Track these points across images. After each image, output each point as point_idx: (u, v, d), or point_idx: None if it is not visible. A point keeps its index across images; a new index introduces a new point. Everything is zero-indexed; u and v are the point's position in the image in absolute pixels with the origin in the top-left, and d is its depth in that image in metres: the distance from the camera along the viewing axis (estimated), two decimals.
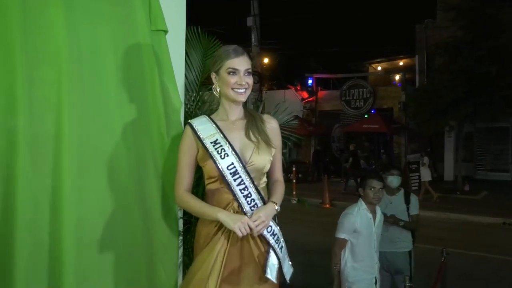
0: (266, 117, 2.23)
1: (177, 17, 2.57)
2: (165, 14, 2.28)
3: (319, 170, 18.47)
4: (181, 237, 2.65)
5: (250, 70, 2.09)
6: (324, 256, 4.26)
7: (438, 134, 16.69)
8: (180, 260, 2.67)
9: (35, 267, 1.75)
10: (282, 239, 2.13)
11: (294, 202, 10.56)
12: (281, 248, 2.10)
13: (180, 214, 2.63)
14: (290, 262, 2.18)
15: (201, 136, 2.07)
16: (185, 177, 2.10)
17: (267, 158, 2.10)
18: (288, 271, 2.14)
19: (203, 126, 2.11)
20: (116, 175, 2.00)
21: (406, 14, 19.80)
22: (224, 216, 1.97)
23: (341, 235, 3.50)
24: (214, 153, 2.03)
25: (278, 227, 2.11)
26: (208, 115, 2.19)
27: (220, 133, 2.08)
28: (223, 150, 2.04)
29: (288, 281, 2.10)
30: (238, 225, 1.92)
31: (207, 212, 2.03)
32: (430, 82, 15.41)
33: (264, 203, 2.07)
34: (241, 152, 2.07)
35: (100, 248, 1.97)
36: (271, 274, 2.02)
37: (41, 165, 1.75)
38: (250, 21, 15.37)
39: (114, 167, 1.99)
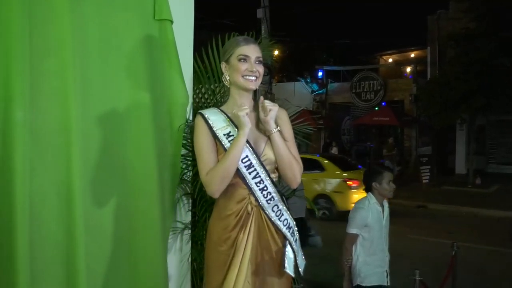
0: None
1: (185, 8, 2.54)
2: (173, 5, 2.25)
3: None
4: (189, 231, 2.65)
5: (261, 59, 2.05)
6: (333, 249, 4.24)
7: (450, 127, 16.53)
8: (188, 253, 2.67)
9: (43, 259, 1.74)
10: (297, 231, 2.12)
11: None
12: (295, 241, 2.09)
13: (188, 206, 2.62)
14: (302, 255, 2.16)
15: (213, 128, 2.02)
16: (208, 161, 1.96)
17: None
18: (301, 263, 2.12)
19: (215, 117, 2.05)
20: (121, 167, 1.99)
21: (418, 5, 19.54)
22: (240, 130, 1.93)
23: (352, 230, 3.46)
24: (228, 145, 1.98)
25: (293, 221, 2.09)
26: (218, 107, 2.14)
27: (232, 125, 2.03)
28: None
29: (301, 274, 2.09)
30: (242, 113, 1.91)
31: (233, 151, 1.92)
32: (442, 74, 15.23)
33: (281, 196, 2.06)
34: (254, 145, 2.03)
35: (106, 239, 1.98)
36: (289, 267, 2.02)
37: (48, 157, 1.75)
38: (260, 13, 15.28)
39: (118, 159, 1.98)
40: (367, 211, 3.42)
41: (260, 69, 2.04)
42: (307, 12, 21.24)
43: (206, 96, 3.21)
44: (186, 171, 2.65)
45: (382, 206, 3.51)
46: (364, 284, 3.41)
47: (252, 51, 2.02)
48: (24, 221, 1.64)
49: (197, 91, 3.06)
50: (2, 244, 1.64)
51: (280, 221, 2.04)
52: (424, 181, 13.94)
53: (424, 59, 19.42)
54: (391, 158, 15.90)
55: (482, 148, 17.95)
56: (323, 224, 7.70)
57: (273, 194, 2.02)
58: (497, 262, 6.57)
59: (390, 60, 23.57)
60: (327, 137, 20.29)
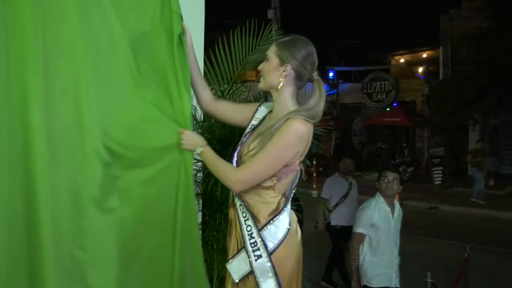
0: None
1: (196, 8, 2.52)
2: (183, 5, 2.23)
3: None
4: (200, 232, 2.66)
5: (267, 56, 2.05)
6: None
7: (463, 127, 16.40)
8: None
9: (61, 259, 1.77)
10: (264, 250, 1.87)
11: (315, 195, 10.55)
12: (256, 257, 1.87)
13: (198, 207, 2.63)
14: (276, 284, 1.85)
15: (254, 115, 2.07)
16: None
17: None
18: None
19: (264, 107, 2.10)
20: (133, 168, 2.00)
21: (430, 5, 19.38)
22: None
23: (358, 229, 3.48)
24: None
25: (260, 233, 1.88)
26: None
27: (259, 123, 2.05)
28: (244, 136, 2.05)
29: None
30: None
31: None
32: (454, 74, 15.13)
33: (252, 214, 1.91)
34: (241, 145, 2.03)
35: (124, 240, 1.96)
36: (231, 270, 1.96)
37: (62, 157, 1.77)
38: (270, 14, 15.30)
39: (131, 160, 1.99)
40: (373, 210, 3.44)
41: (260, 67, 2.02)
42: (318, 13, 21.21)
43: (215, 97, 3.25)
44: (196, 172, 2.67)
45: (393, 206, 3.51)
46: (371, 285, 3.42)
47: None
48: (47, 222, 1.67)
49: None
50: (26, 244, 1.68)
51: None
52: (436, 182, 13.84)
53: (436, 59, 19.28)
54: (404, 162, 15.88)
55: (495, 149, 17.78)
56: None
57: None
58: (510, 264, 6.51)
59: (402, 60, 23.43)
60: (338, 138, 20.24)
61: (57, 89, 1.73)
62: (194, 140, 1.95)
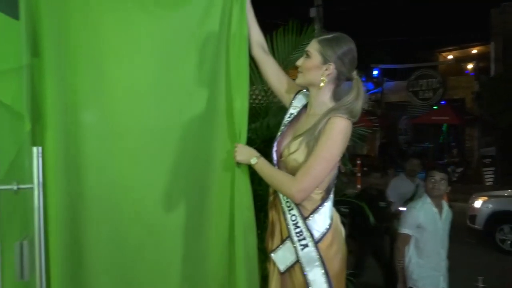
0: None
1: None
2: None
3: (386, 163, 18.07)
4: None
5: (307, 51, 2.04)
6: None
7: None
8: None
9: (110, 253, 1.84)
10: (310, 240, 1.89)
11: None
12: (302, 247, 1.89)
13: None
14: (322, 273, 1.87)
15: (292, 102, 2.09)
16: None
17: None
18: (315, 280, 1.88)
19: (302, 96, 2.10)
20: (184, 169, 1.99)
21: None
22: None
23: (404, 230, 3.44)
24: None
25: (306, 223, 1.91)
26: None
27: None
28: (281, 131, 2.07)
29: None
30: None
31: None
32: (506, 70, 14.56)
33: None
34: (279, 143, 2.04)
35: (178, 243, 2.00)
36: (277, 259, 1.98)
37: (118, 159, 1.81)
38: (313, 12, 15.22)
39: (183, 160, 1.98)
40: (419, 211, 3.38)
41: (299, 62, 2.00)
42: (361, 9, 20.91)
43: (259, 97, 3.28)
44: None
45: (441, 208, 3.44)
46: (417, 287, 3.36)
47: None
48: (103, 222, 1.75)
49: (251, 92, 3.12)
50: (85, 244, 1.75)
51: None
52: (487, 184, 13.38)
53: (487, 55, 18.59)
54: (453, 162, 15.45)
55: None
56: None
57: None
58: None
59: (450, 57, 22.77)
60: (383, 137, 19.91)
61: (109, 92, 1.77)
62: (247, 153, 2.00)
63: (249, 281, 2.06)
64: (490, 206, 7.22)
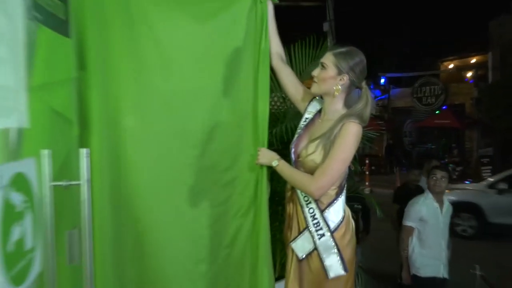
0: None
1: None
2: None
3: (392, 163, 17.88)
4: None
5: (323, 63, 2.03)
6: (394, 241, 4.14)
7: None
8: None
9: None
10: (326, 230, 1.91)
11: (367, 192, 10.43)
12: (320, 236, 1.91)
13: None
14: (339, 259, 1.89)
15: (307, 108, 2.09)
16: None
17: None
18: (332, 265, 1.89)
19: (316, 102, 2.10)
20: (213, 168, 1.99)
21: (478, 11, 18.31)
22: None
23: (407, 222, 3.43)
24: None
25: (322, 214, 1.92)
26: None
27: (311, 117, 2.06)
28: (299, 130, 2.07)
29: (328, 277, 1.89)
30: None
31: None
32: (504, 77, 14.21)
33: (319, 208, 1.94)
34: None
35: (215, 244, 2.01)
36: (296, 248, 1.98)
37: (155, 159, 1.82)
38: (326, 26, 15.09)
39: (212, 161, 1.98)
40: (421, 205, 3.37)
41: (315, 73, 1.99)
42: (370, 24, 20.67)
43: (278, 103, 3.28)
44: None
45: (442, 203, 3.39)
46: (419, 274, 3.35)
47: None
48: (140, 215, 1.77)
49: (270, 99, 3.11)
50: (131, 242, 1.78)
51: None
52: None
53: (485, 64, 18.17)
54: (453, 161, 15.10)
55: None
56: None
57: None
58: None
59: (451, 65, 22.34)
60: (390, 139, 19.71)
61: (147, 99, 1.79)
62: (269, 156, 2.02)
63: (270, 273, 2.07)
64: (451, 197, 7.34)
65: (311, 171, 1.88)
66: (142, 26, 1.78)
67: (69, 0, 1.43)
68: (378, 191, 11.38)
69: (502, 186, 7.60)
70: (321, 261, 1.89)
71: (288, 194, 2.09)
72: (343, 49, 1.94)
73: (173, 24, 1.87)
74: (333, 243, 1.89)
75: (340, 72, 1.91)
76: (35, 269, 1.13)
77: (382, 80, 20.26)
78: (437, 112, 18.40)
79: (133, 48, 1.77)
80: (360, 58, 1.94)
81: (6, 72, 1.06)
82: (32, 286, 1.12)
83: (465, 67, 20.61)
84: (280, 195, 2.67)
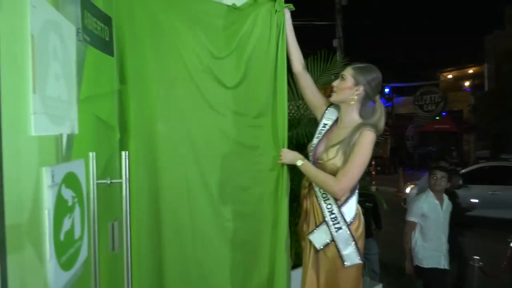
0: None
1: None
2: None
3: (395, 164, 17.62)
4: None
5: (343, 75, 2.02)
6: (398, 235, 4.07)
7: (508, 132, 14.93)
8: None
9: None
10: (343, 223, 1.91)
11: (374, 189, 10.29)
12: (337, 229, 1.91)
13: None
14: (355, 249, 1.90)
15: (325, 114, 2.06)
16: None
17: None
18: (349, 254, 1.90)
19: (333, 109, 2.07)
20: (239, 169, 1.98)
21: (474, 27, 17.97)
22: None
23: (410, 218, 3.39)
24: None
25: (340, 210, 1.92)
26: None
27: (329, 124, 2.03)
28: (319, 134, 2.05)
29: (345, 265, 1.89)
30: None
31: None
32: (498, 85, 13.88)
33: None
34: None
35: (237, 246, 1.98)
36: (314, 240, 1.95)
37: (186, 161, 1.82)
38: (335, 42, 14.97)
39: (238, 162, 1.96)
40: (423, 202, 3.33)
41: (335, 83, 1.99)
42: (375, 39, 20.46)
43: (293, 111, 3.27)
44: None
45: (442, 200, 3.35)
46: (422, 265, 3.30)
47: None
48: (173, 212, 1.77)
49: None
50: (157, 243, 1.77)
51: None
52: None
53: (481, 74, 17.80)
54: (452, 163, 14.78)
55: None
56: None
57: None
58: None
59: (450, 76, 21.93)
60: (393, 142, 19.46)
61: (174, 108, 1.80)
62: (291, 156, 2.01)
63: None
64: (414, 191, 7.15)
65: (332, 174, 1.87)
66: (171, 45, 1.79)
67: (112, 25, 1.48)
68: (383, 189, 11.28)
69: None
70: (338, 251, 1.89)
71: (305, 191, 2.08)
72: (361, 65, 1.96)
73: (196, 40, 1.85)
74: (350, 235, 1.90)
75: (357, 83, 1.92)
76: (82, 256, 1.17)
77: (387, 90, 19.99)
78: (437, 118, 18.10)
79: (165, 64, 1.78)
80: (376, 74, 1.94)
81: (61, 86, 1.10)
82: (79, 271, 1.15)
83: (462, 77, 20.25)
84: (294, 192, 2.66)
